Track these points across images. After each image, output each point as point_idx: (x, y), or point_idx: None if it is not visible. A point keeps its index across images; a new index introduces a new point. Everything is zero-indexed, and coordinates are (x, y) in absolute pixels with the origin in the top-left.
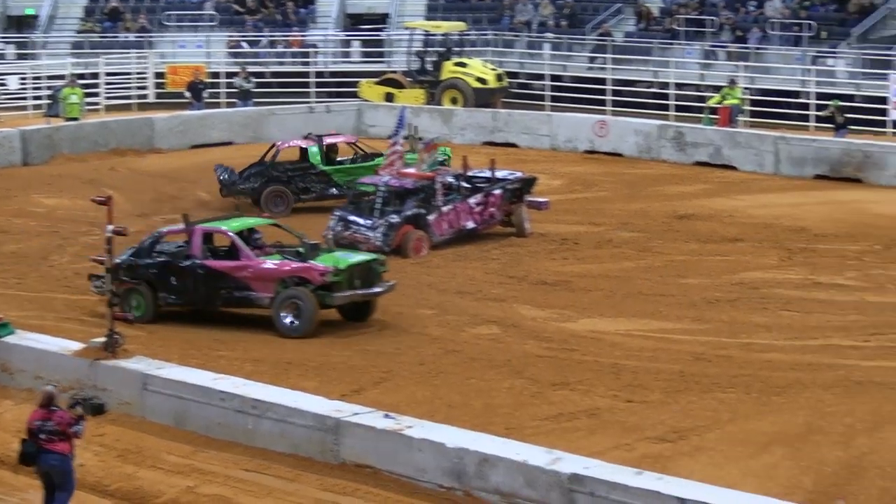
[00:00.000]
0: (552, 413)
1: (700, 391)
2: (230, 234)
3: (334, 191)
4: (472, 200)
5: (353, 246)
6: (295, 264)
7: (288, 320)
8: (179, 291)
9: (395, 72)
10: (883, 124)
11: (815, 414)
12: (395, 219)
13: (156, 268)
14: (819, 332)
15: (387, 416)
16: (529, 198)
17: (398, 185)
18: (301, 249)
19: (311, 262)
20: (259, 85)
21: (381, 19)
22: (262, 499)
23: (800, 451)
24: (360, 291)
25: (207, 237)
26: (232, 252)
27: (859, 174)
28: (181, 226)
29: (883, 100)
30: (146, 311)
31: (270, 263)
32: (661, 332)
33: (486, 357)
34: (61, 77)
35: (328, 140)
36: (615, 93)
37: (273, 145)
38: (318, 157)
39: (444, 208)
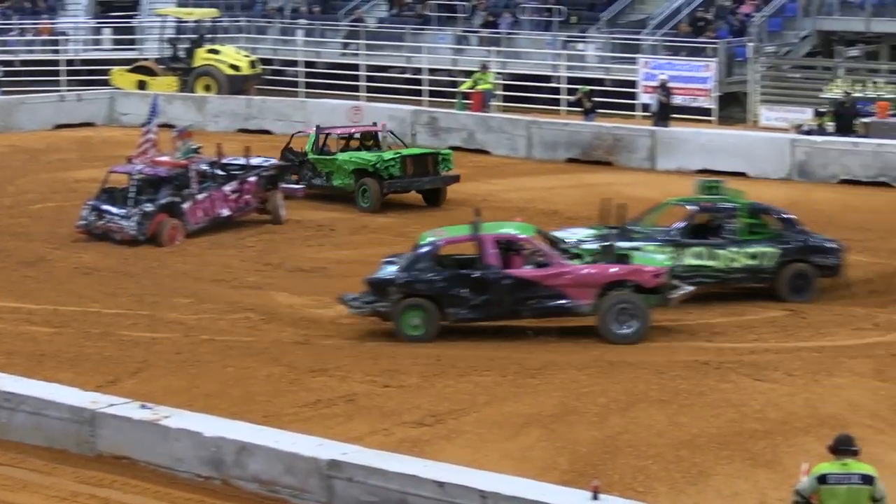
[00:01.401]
0: (310, 400)
1: (457, 375)
2: (533, 239)
3: (317, 181)
4: (227, 188)
5: (106, 236)
6: (620, 267)
7: (625, 329)
8: (477, 305)
9: (147, 59)
10: (632, 108)
11: (569, 395)
12: (149, 207)
13: (444, 281)
14: None
15: (143, 406)
16: (284, 185)
17: (152, 173)
18: (580, 251)
19: (633, 263)
20: (8, 73)
21: (132, 6)
22: (17, 493)
23: (555, 432)
24: (685, 291)
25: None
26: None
27: (610, 157)
28: (460, 235)
29: (632, 83)
30: (428, 331)
31: (591, 268)
32: None
33: (243, 345)
34: None
35: (355, 129)
36: (369, 78)
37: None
38: (310, 145)
39: (199, 196)
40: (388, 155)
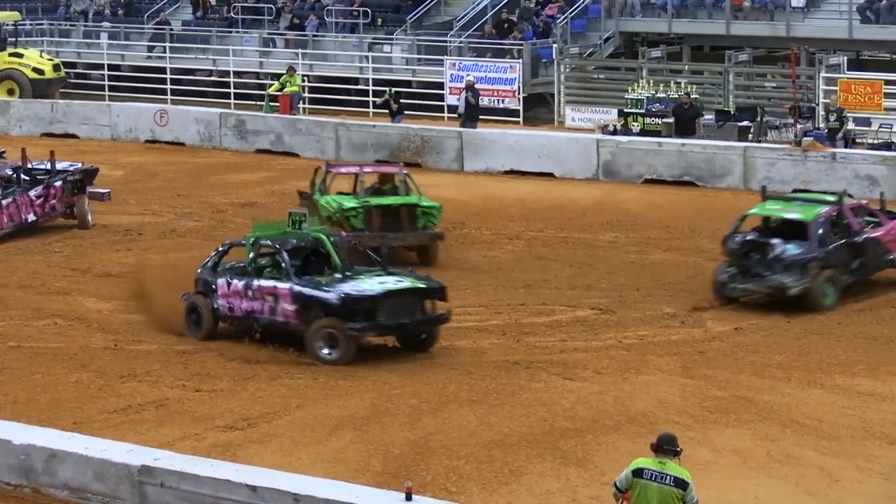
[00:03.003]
0: (121, 405)
1: (268, 378)
2: (865, 203)
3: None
4: (32, 193)
5: None
6: None
7: None
8: (855, 269)
9: None
10: (440, 109)
11: (381, 396)
12: None
13: (839, 250)
14: None
15: None
16: (91, 189)
17: None
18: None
19: None
20: None
21: None
22: None
23: (368, 434)
24: None
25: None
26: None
27: (418, 159)
28: (827, 208)
29: (439, 85)
30: (837, 298)
31: None
32: None
33: (51, 352)
34: None
35: (371, 169)
36: (175, 81)
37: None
38: (319, 184)
39: (4, 201)
40: (349, 203)
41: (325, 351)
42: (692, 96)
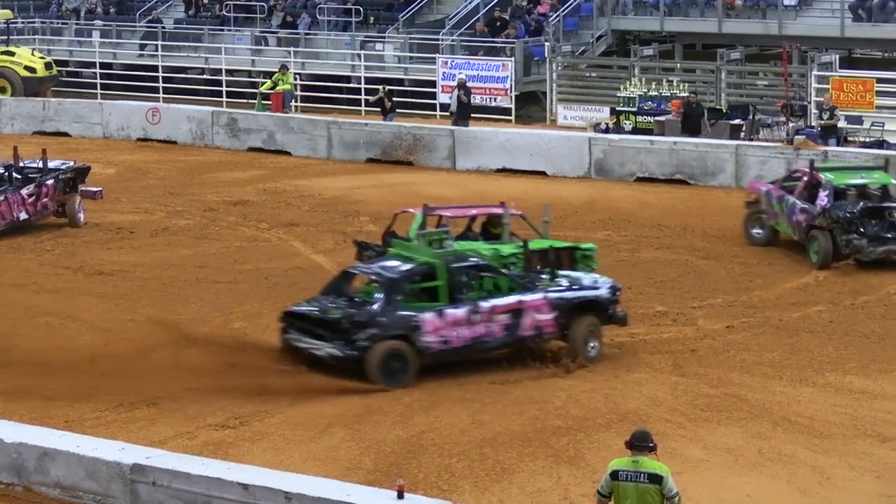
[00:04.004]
0: (112, 404)
1: (260, 376)
2: None
3: None
4: (24, 191)
5: None
6: None
7: None
8: None
9: None
10: (432, 107)
11: (373, 394)
12: None
13: None
14: None
15: None
16: (83, 187)
17: None
18: None
19: None
20: None
21: None
22: None
23: (360, 432)
24: None
25: None
26: None
27: (410, 157)
28: None
29: (431, 83)
30: None
31: None
32: (221, 317)
33: (44, 349)
34: None
35: (475, 211)
36: (167, 80)
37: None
38: (414, 230)
39: None
40: (507, 249)
41: (590, 346)
42: (698, 94)
